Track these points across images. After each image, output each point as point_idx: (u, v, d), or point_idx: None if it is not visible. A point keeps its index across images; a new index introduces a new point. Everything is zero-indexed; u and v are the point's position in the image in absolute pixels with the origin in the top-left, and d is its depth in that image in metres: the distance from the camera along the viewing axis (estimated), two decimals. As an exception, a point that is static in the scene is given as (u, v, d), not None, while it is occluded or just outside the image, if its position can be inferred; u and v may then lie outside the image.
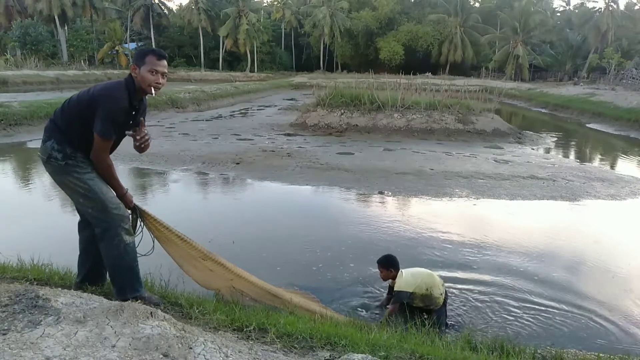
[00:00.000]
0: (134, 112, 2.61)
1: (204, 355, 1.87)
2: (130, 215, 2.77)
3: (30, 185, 7.66)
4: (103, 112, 2.46)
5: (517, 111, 25.83)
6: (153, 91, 2.56)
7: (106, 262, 2.71)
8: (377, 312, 3.72)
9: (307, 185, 7.67)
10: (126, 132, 2.65)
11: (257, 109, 20.84)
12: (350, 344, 2.39)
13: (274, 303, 3.23)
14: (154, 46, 49.01)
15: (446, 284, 3.72)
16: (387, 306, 3.63)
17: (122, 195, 2.66)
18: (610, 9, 42.70)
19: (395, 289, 3.50)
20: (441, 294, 3.51)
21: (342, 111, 14.49)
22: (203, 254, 3.08)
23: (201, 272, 3.14)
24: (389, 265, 3.61)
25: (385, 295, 3.83)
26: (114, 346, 1.79)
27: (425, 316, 3.30)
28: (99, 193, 2.55)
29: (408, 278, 3.50)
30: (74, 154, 2.53)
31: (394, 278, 3.58)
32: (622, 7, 45.42)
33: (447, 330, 3.47)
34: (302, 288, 3.95)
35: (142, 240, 2.88)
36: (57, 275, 3.07)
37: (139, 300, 2.55)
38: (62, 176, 2.56)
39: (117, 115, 2.51)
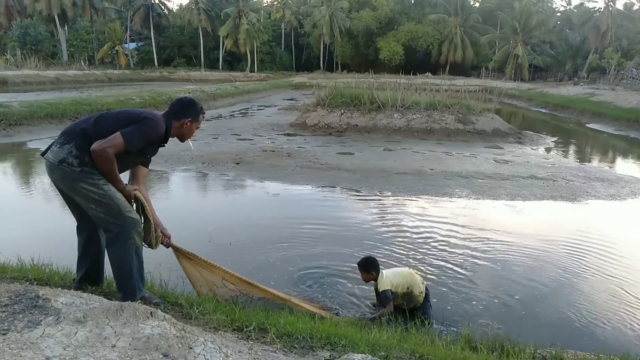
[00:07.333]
0: (157, 147, 2.81)
1: (204, 355, 1.88)
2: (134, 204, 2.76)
3: (30, 185, 7.66)
4: (143, 127, 2.58)
5: (517, 111, 25.83)
6: (190, 142, 2.93)
7: (115, 266, 2.67)
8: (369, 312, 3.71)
9: (307, 185, 7.66)
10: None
11: (257, 109, 20.85)
12: (350, 344, 2.39)
13: (252, 290, 3.31)
14: (153, 46, 49.21)
15: (444, 283, 3.72)
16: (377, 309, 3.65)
17: (121, 190, 2.63)
18: (610, 8, 42.68)
19: (379, 289, 3.53)
20: (421, 292, 3.56)
21: (342, 111, 14.50)
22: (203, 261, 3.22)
23: (196, 270, 3.21)
24: (369, 267, 3.63)
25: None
26: (114, 346, 1.79)
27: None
28: (113, 198, 2.54)
29: (389, 277, 3.56)
30: (91, 162, 2.49)
31: (375, 280, 3.62)
32: (620, 7, 45.44)
33: (434, 323, 3.51)
34: (300, 290, 3.96)
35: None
36: (57, 275, 3.07)
37: (139, 300, 2.55)
38: (73, 183, 2.51)
39: (152, 138, 2.65)
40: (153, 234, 2.81)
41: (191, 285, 3.27)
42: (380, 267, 3.66)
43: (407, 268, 3.88)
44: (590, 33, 43.36)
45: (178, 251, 3.10)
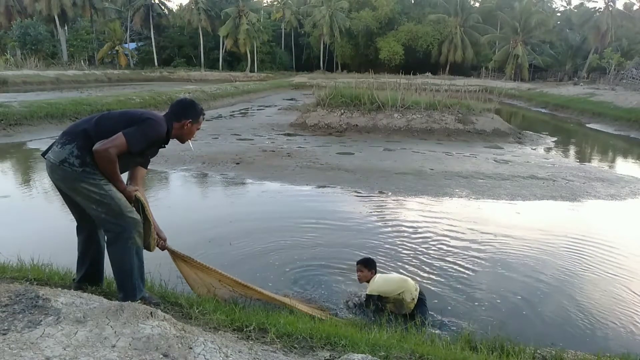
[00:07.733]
0: (158, 148, 2.82)
1: (204, 355, 1.87)
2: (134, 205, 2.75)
3: (30, 185, 7.65)
4: (145, 128, 2.58)
5: (517, 111, 25.83)
6: (190, 143, 2.91)
7: (116, 266, 2.66)
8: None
9: (307, 185, 7.66)
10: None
11: (257, 109, 20.84)
12: (350, 344, 2.39)
13: (247, 292, 3.30)
14: (153, 46, 49.20)
15: (444, 282, 3.71)
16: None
17: (122, 190, 2.63)
18: (610, 8, 42.67)
19: (367, 292, 3.58)
20: (413, 299, 3.53)
21: (342, 111, 14.50)
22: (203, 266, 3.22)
23: (193, 272, 3.22)
24: (368, 265, 3.71)
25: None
26: (114, 346, 1.79)
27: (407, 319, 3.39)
28: (114, 198, 2.54)
29: (380, 282, 3.58)
30: (93, 162, 2.49)
31: (368, 281, 3.66)
32: (620, 7, 45.43)
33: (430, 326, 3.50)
34: (300, 290, 3.96)
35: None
36: (57, 275, 3.07)
37: (139, 300, 2.55)
38: (74, 183, 2.51)
39: (153, 139, 2.66)
40: (152, 235, 2.81)
41: (189, 287, 3.27)
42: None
43: (399, 274, 3.92)
44: (590, 33, 43.35)
45: (174, 254, 3.10)
